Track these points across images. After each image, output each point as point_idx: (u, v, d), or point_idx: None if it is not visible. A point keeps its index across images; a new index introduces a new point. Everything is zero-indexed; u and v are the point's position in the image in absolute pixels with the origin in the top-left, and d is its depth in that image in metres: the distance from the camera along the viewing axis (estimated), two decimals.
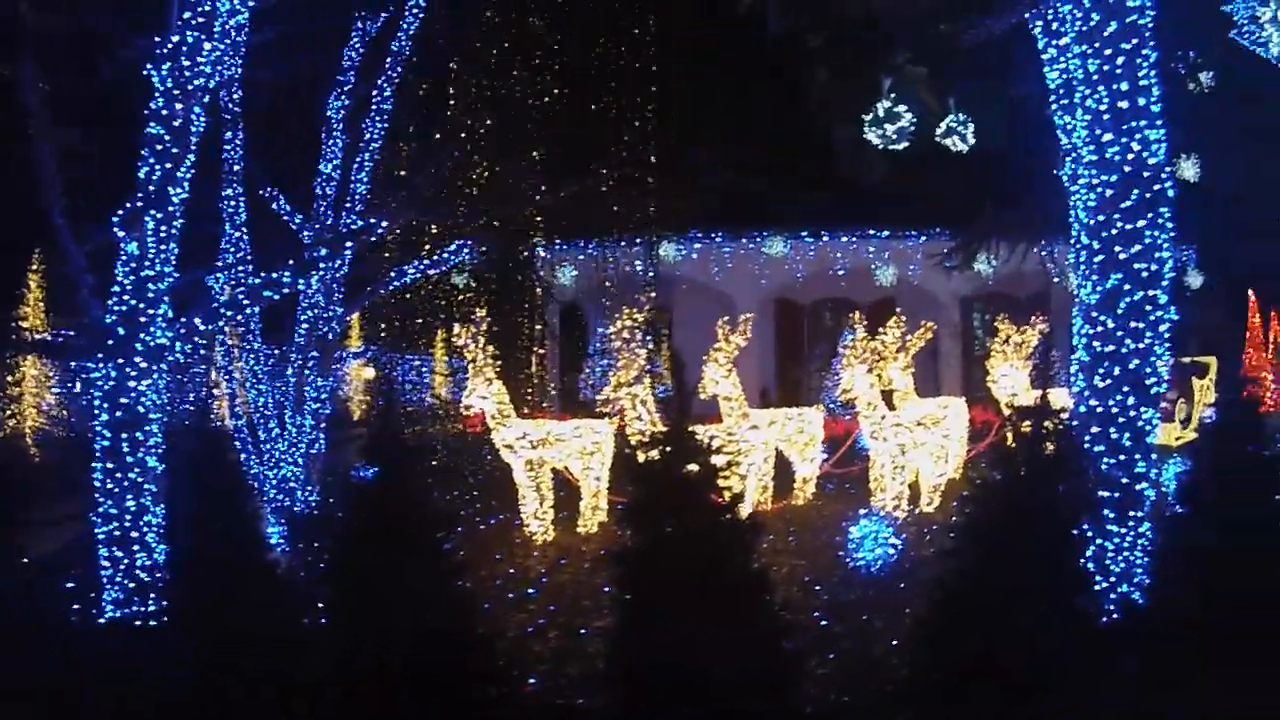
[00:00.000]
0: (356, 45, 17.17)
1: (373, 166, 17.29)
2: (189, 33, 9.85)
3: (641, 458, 6.12)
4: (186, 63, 9.85)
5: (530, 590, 11.07)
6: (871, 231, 29.90)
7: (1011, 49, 11.01)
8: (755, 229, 28.91)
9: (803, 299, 31.50)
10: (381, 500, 6.61)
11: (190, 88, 9.87)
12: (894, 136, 9.84)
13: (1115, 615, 8.78)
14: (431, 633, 6.28)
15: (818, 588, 10.82)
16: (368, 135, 17.06)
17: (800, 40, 10.15)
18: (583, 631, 9.37)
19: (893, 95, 9.79)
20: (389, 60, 17.03)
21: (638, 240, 27.99)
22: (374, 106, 17.03)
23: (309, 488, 16.47)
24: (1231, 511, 8.00)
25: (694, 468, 6.02)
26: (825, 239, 29.82)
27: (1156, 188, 9.12)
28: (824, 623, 9.50)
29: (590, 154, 22.94)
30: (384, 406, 7.24)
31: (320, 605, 7.15)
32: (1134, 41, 9.05)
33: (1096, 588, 8.57)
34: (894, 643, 8.68)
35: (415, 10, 17.04)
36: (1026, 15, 9.96)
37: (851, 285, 30.58)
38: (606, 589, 9.41)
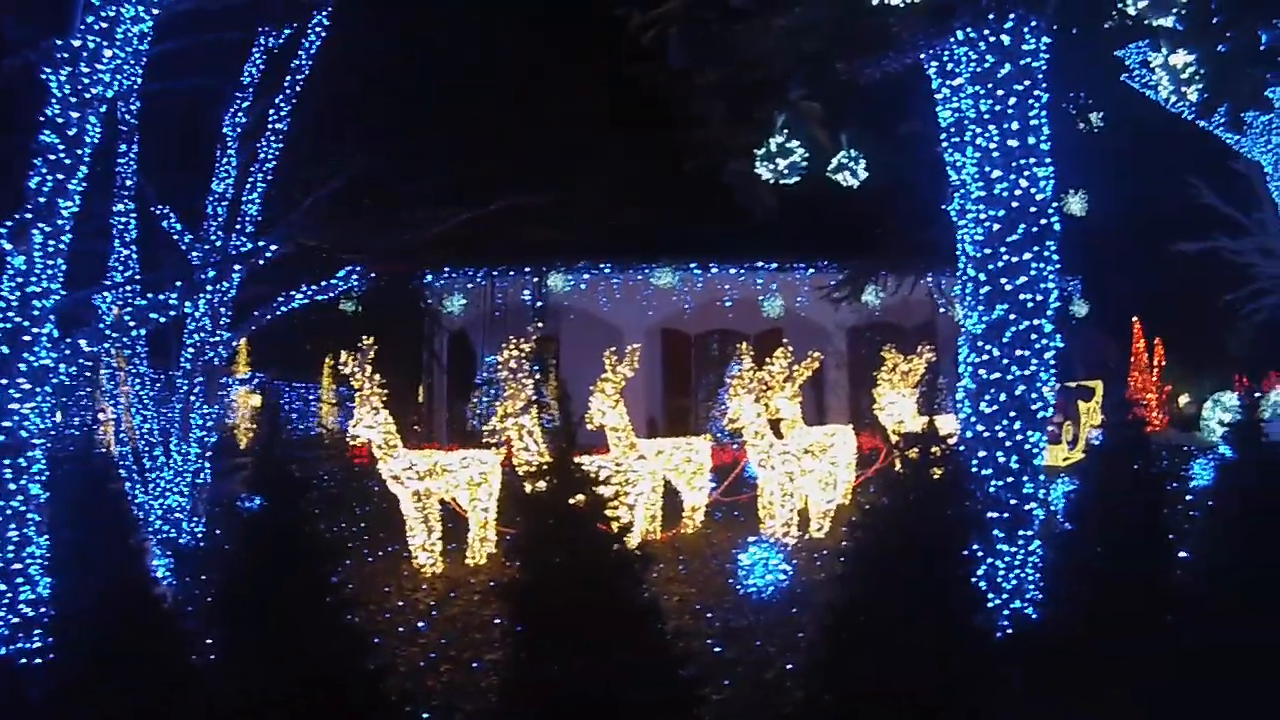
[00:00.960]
0: (257, 61, 16.85)
1: (265, 187, 17.06)
2: (90, 38, 9.49)
3: (529, 489, 6.13)
4: (86, 69, 9.47)
5: (420, 624, 10.99)
6: (760, 263, 30.06)
7: (905, 88, 11.22)
8: (644, 260, 28.97)
9: (690, 329, 31.60)
10: (267, 532, 6.54)
11: (88, 95, 9.52)
12: (785, 171, 9.92)
13: (1009, 630, 8.98)
14: (321, 669, 6.23)
15: (709, 615, 10.88)
16: (262, 154, 16.77)
17: (697, 75, 10.25)
18: (475, 665, 9.33)
19: (785, 131, 9.89)
20: (288, 78, 16.83)
21: (526, 270, 27.99)
22: (270, 125, 16.81)
23: (195, 519, 16.11)
24: (1119, 526, 8.26)
25: (582, 498, 6.03)
26: (714, 270, 29.93)
27: (1043, 222, 9.40)
28: (717, 650, 9.56)
29: (481, 182, 22.83)
30: (269, 435, 7.16)
31: (208, 641, 7.06)
32: (1026, 83, 9.33)
33: (989, 605, 8.77)
34: (789, 667, 8.78)
35: (318, 29, 16.81)
36: (922, 56, 10.18)
37: (739, 316, 30.72)
38: (497, 621, 9.46)
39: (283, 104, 16.82)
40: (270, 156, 16.85)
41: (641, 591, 6.11)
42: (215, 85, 16.91)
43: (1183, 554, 10.06)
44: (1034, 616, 9.11)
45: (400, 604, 11.99)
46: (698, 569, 13.42)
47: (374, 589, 12.63)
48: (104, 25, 9.63)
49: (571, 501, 6.01)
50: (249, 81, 16.84)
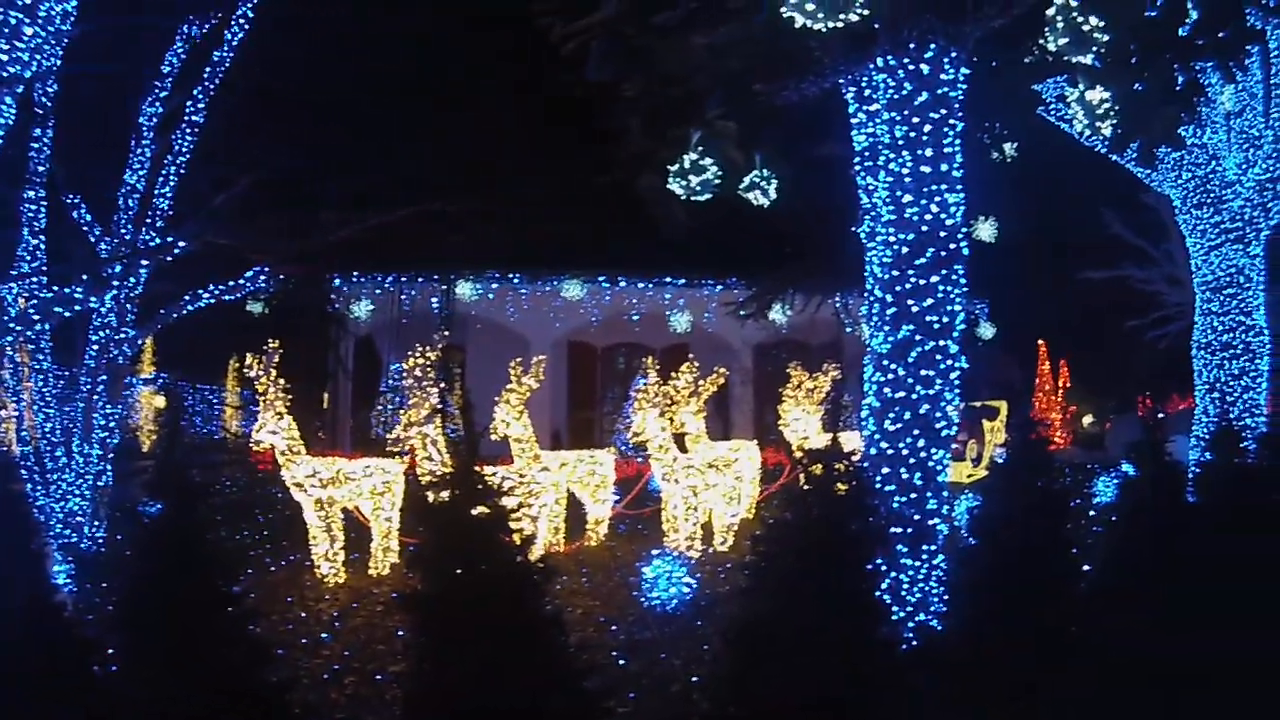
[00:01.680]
0: (179, 50, 16.49)
1: (178, 181, 16.78)
2: (11, 13, 9.19)
3: (432, 499, 6.09)
4: (5, 46, 9.19)
5: (324, 635, 10.82)
6: (668, 279, 30.14)
7: (821, 111, 11.34)
8: (553, 272, 28.94)
9: (597, 342, 31.63)
10: (166, 539, 6.41)
11: (5, 74, 9.28)
12: (698, 188, 9.97)
13: (915, 642, 9.10)
14: (223, 681, 6.15)
15: (614, 628, 10.86)
16: (176, 146, 16.47)
17: (615, 89, 10.29)
18: (379, 677, 9.21)
19: (700, 148, 9.95)
20: (208, 69, 16.56)
21: (435, 277, 27.86)
22: (186, 117, 16.54)
23: (96, 523, 15.76)
24: (1022, 541, 8.41)
25: (485, 509, 5.99)
26: (622, 284, 29.96)
27: (952, 246, 9.54)
28: (622, 662, 9.54)
29: (394, 187, 22.66)
30: (171, 438, 7.07)
31: (109, 651, 6.95)
32: (942, 111, 9.46)
33: (895, 617, 8.91)
34: (694, 680, 8.81)
35: (241, 20, 16.53)
36: (841, 80, 10.30)
37: (646, 330, 30.79)
38: (401, 633, 9.41)
39: (201, 96, 16.53)
40: (185, 149, 16.53)
41: (545, 604, 6.07)
42: (134, 72, 16.54)
43: (1086, 567, 10.32)
44: (939, 629, 9.25)
45: (303, 614, 11.78)
46: (601, 582, 13.40)
47: (277, 599, 12.42)
48: (25, 2, 9.34)
49: (474, 512, 5.96)
50: (169, 71, 16.48)
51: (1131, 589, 9.47)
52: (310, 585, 13.34)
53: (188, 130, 16.49)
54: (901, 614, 9.30)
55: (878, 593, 7.01)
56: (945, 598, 9.39)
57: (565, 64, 10.19)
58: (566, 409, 30.86)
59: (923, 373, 9.48)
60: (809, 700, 6.18)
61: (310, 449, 13.99)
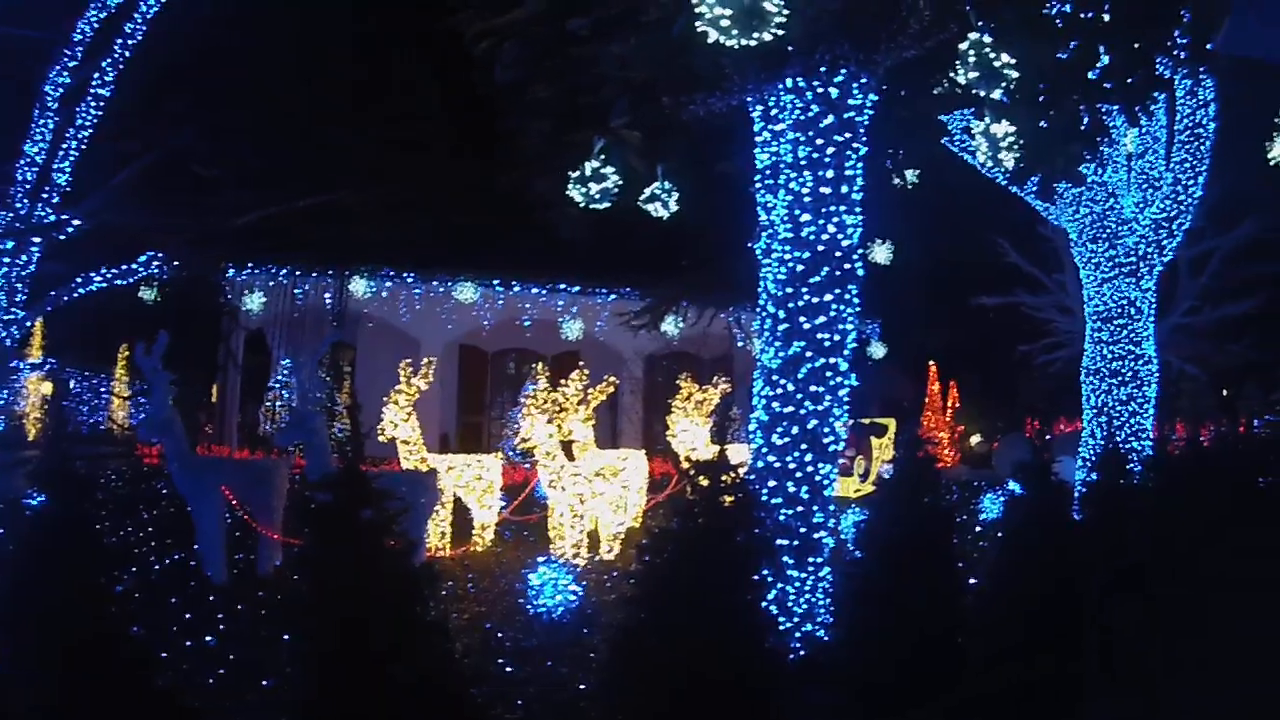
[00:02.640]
0: (92, 18, 16.11)
1: (78, 156, 16.34)
2: None
3: (314, 500, 5.99)
4: None
5: (209, 638, 10.47)
6: (562, 286, 30.11)
7: (725, 127, 11.38)
8: (447, 273, 28.76)
9: (488, 347, 31.53)
10: (48, 534, 6.29)
11: None
12: (597, 195, 10.00)
13: (803, 653, 9.17)
14: (106, 685, 6.01)
15: (500, 634, 10.77)
16: (80, 120, 16.09)
17: (523, 91, 10.27)
18: (264, 684, 8.98)
19: (602, 156, 9.96)
20: (119, 41, 16.16)
21: (329, 272, 27.54)
22: (92, 89, 16.12)
23: None
24: (908, 554, 8.52)
25: (370, 512, 5.92)
26: (516, 289, 29.88)
27: (847, 266, 9.64)
28: (509, 670, 9.47)
29: (294, 175, 22.37)
30: (56, 427, 6.93)
31: None
32: (847, 135, 9.56)
33: (782, 628, 8.97)
34: (581, 688, 8.77)
35: None
36: (748, 98, 10.34)
37: (538, 336, 30.73)
38: (286, 637, 9.27)
39: (109, 68, 16.14)
40: (88, 123, 16.16)
41: (430, 609, 6.02)
42: (42, 39, 16.17)
43: (972, 580, 10.85)
44: (826, 639, 9.33)
45: (188, 616, 11.38)
46: (487, 588, 13.27)
47: (162, 599, 12.05)
48: None
49: (359, 515, 5.87)
50: (79, 39, 16.11)
51: (1017, 601, 9.64)
52: (195, 585, 12.92)
53: (93, 103, 16.08)
54: (788, 625, 9.39)
55: (764, 603, 7.04)
56: (832, 609, 9.48)
57: (475, 63, 10.15)
58: (456, 412, 30.72)
59: (812, 389, 9.57)
60: (696, 710, 6.18)
61: (195, 445, 13.67)
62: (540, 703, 8.55)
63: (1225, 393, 39.14)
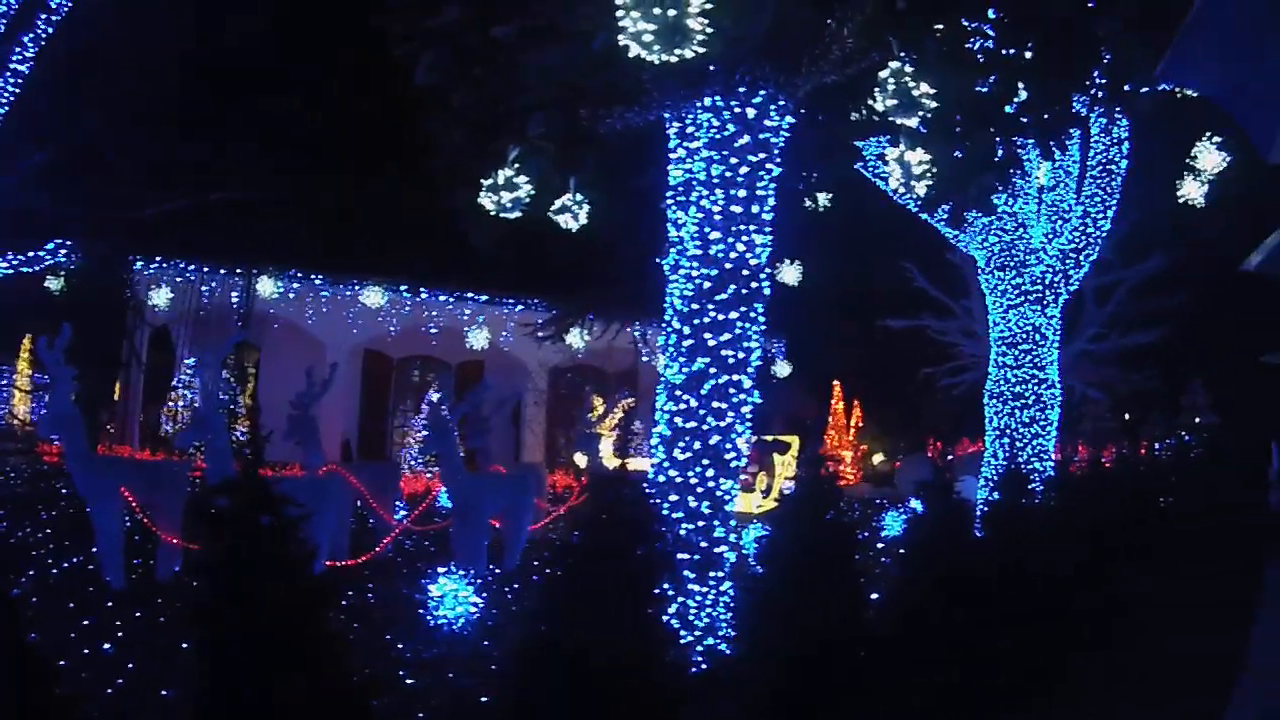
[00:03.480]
0: None
1: None
2: None
3: (213, 504, 5.86)
4: None
5: (107, 646, 10.18)
6: (470, 294, 30.04)
7: (641, 142, 11.38)
8: (355, 276, 28.57)
9: (393, 353, 31.38)
10: None
11: None
12: (509, 204, 9.96)
13: (704, 666, 9.16)
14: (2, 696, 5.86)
15: (401, 645, 10.63)
16: None
17: (441, 97, 10.22)
18: (164, 694, 8.76)
19: (516, 165, 9.92)
20: (41, 16, 15.79)
21: (238, 270, 27.19)
22: (10, 65, 15.74)
23: None
24: (809, 569, 8.57)
25: (269, 518, 5.80)
26: (424, 295, 29.76)
27: (754, 285, 9.68)
28: (410, 681, 9.35)
29: (206, 170, 22.08)
30: None
31: None
32: (761, 155, 9.59)
33: (683, 641, 8.96)
34: (484, 700, 8.70)
35: None
36: (666, 114, 10.34)
37: (443, 344, 30.64)
38: (185, 645, 9.09)
39: (31, 44, 15.75)
40: (4, 100, 15.79)
41: (329, 618, 5.92)
42: None
43: (874, 595, 10.81)
44: (728, 653, 9.35)
45: (87, 623, 11.07)
46: (388, 597, 13.16)
47: (60, 605, 11.73)
48: None
49: (258, 520, 5.75)
50: (3, 12, 15.75)
51: (918, 616, 9.74)
52: (94, 590, 12.59)
53: (10, 79, 15.71)
54: (690, 638, 9.39)
55: (665, 617, 7.03)
56: (733, 623, 9.49)
57: (395, 67, 10.09)
58: (358, 419, 30.54)
59: (715, 405, 9.61)
60: None
61: (98, 444, 13.40)
62: (441, 715, 8.47)
63: (1128, 417, 39.91)
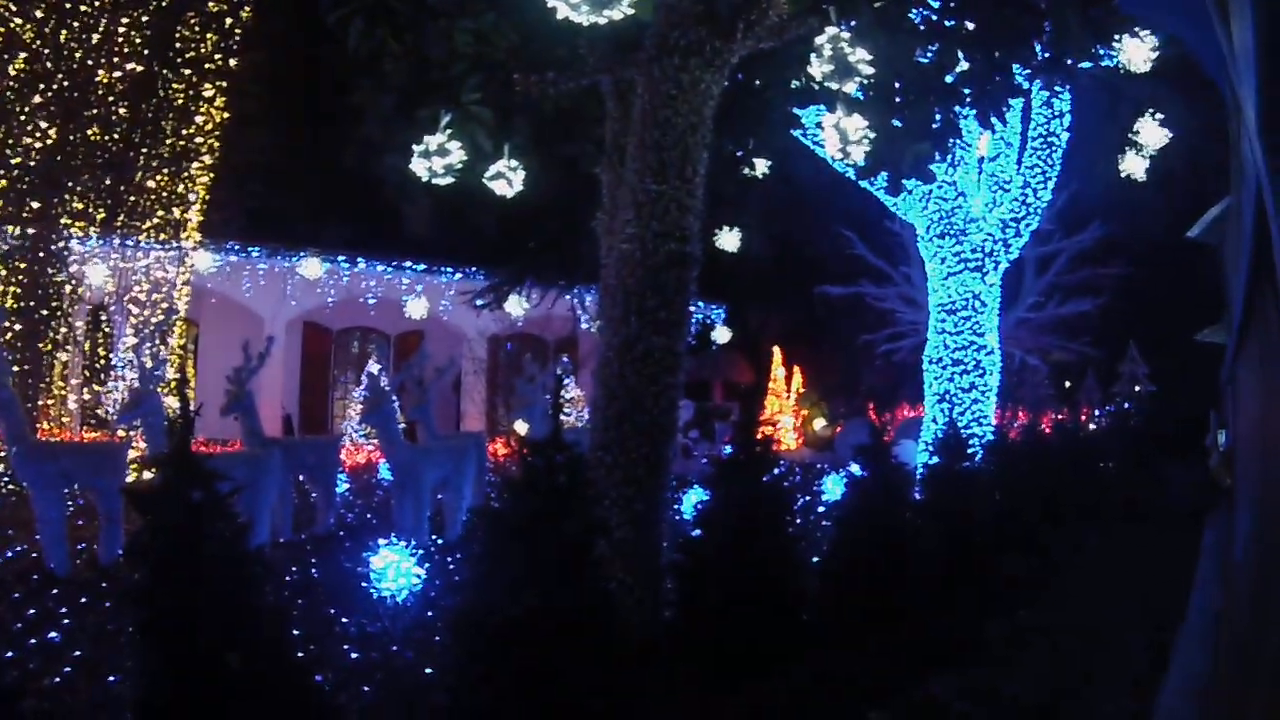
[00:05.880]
0: None
1: None
2: None
3: (146, 482, 5.78)
4: None
5: (53, 635, 9.96)
6: (408, 264, 29.91)
7: (576, 106, 11.33)
8: (291, 248, 28.33)
9: (332, 325, 31.22)
10: None
11: None
12: (441, 171, 9.85)
13: (644, 630, 9.14)
14: None
15: (343, 620, 10.53)
16: None
17: (373, 63, 10.11)
18: (111, 680, 8.57)
19: (449, 130, 9.82)
20: None
21: (174, 244, 26.79)
22: None
23: None
24: (747, 533, 8.81)
25: (203, 494, 5.69)
26: (361, 266, 29.59)
27: (688, 249, 9.59)
28: (354, 655, 9.28)
29: (136, 144, 21.79)
30: None
31: None
32: (694, 119, 9.49)
33: (622, 607, 8.93)
34: (428, 671, 8.61)
35: None
36: (600, 79, 10.27)
37: (382, 315, 30.51)
38: (131, 629, 8.95)
39: None
40: None
41: (270, 593, 5.85)
42: None
43: (815, 559, 10.95)
44: (667, 617, 9.34)
45: (32, 612, 10.83)
46: (329, 571, 13.02)
47: (3, 594, 11.53)
48: None
49: (193, 496, 5.65)
50: None
51: (854, 578, 9.84)
52: (37, 579, 12.30)
53: None
54: (629, 603, 9.33)
55: (603, 583, 7.00)
56: (672, 588, 9.47)
57: (326, 32, 9.97)
58: (298, 392, 30.36)
59: (649, 369, 9.51)
60: (541, 691, 6.12)
61: (36, 427, 13.13)
62: (386, 688, 8.41)
63: (1067, 384, 40.38)
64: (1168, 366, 38.36)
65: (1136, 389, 40.57)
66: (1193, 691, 8.11)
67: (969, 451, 13.98)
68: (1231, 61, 3.65)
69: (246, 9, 23.99)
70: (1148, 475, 24.06)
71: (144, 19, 22.49)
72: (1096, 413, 33.22)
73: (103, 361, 24.93)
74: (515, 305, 27.29)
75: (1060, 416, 27.33)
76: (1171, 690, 8.34)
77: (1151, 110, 14.15)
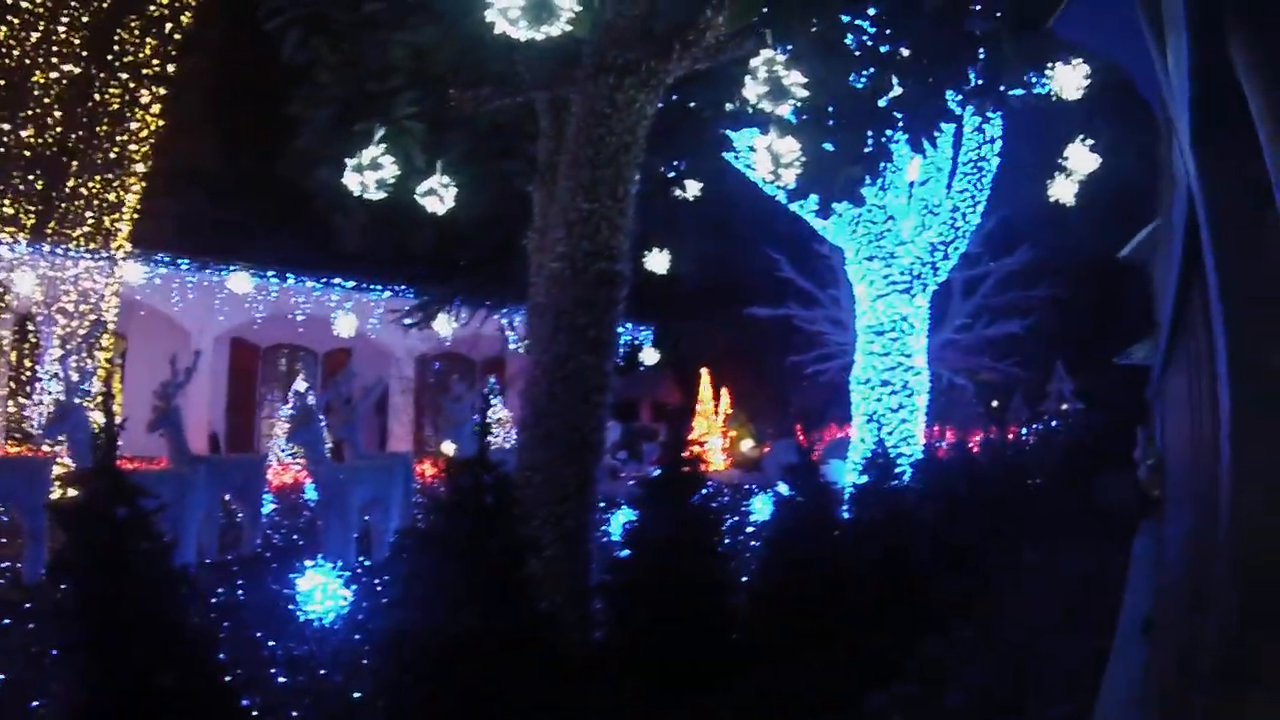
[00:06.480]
0: None
1: None
2: None
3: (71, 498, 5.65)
4: None
5: None
6: (337, 280, 29.72)
7: (509, 124, 11.31)
8: (221, 260, 28.04)
9: (260, 341, 30.96)
10: None
11: None
12: (373, 185, 9.80)
13: (572, 650, 9.09)
14: None
15: (270, 642, 10.37)
16: None
17: (308, 74, 10.05)
18: (35, 705, 8.32)
19: (382, 145, 9.76)
20: None
21: (103, 255, 26.39)
22: None
23: None
24: (676, 552, 8.85)
25: (127, 512, 5.57)
26: (291, 281, 29.36)
27: (618, 268, 9.58)
28: (281, 680, 9.14)
29: (71, 148, 21.54)
30: None
31: None
32: (628, 139, 9.48)
33: (551, 625, 8.89)
34: (356, 696, 8.52)
35: None
36: (536, 96, 10.26)
37: (310, 332, 30.30)
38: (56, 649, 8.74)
39: None
40: None
41: (195, 614, 5.75)
42: None
43: (744, 579, 10.93)
44: (596, 637, 9.29)
45: None
46: (256, 593, 12.84)
47: None
48: None
49: (117, 514, 5.53)
50: None
51: (784, 596, 9.88)
52: None
53: None
54: (560, 621, 9.30)
55: (531, 602, 6.96)
56: (600, 607, 9.44)
57: (265, 41, 9.90)
58: (225, 409, 30.05)
59: (578, 389, 9.49)
60: (487, 709, 6.06)
61: None
62: (314, 712, 8.30)
63: (995, 404, 40.78)
64: (1094, 384, 38.92)
65: (1064, 407, 41.06)
66: (1130, 699, 8.17)
67: (897, 470, 14.07)
68: (1165, 78, 3.71)
69: (187, 14, 23.76)
70: (1077, 490, 24.33)
71: (85, 19, 22.26)
72: (1024, 431, 33.58)
73: (29, 373, 24.58)
74: (444, 324, 27.16)
75: (989, 435, 27.58)
76: (1109, 698, 8.40)
77: (1082, 136, 14.29)
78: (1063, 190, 15.01)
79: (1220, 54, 2.48)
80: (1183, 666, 5.05)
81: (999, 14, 9.74)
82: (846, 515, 12.96)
